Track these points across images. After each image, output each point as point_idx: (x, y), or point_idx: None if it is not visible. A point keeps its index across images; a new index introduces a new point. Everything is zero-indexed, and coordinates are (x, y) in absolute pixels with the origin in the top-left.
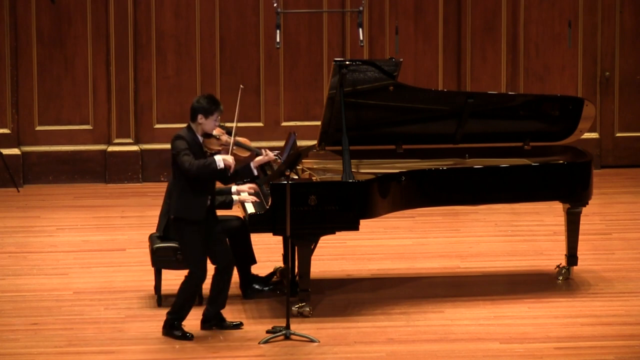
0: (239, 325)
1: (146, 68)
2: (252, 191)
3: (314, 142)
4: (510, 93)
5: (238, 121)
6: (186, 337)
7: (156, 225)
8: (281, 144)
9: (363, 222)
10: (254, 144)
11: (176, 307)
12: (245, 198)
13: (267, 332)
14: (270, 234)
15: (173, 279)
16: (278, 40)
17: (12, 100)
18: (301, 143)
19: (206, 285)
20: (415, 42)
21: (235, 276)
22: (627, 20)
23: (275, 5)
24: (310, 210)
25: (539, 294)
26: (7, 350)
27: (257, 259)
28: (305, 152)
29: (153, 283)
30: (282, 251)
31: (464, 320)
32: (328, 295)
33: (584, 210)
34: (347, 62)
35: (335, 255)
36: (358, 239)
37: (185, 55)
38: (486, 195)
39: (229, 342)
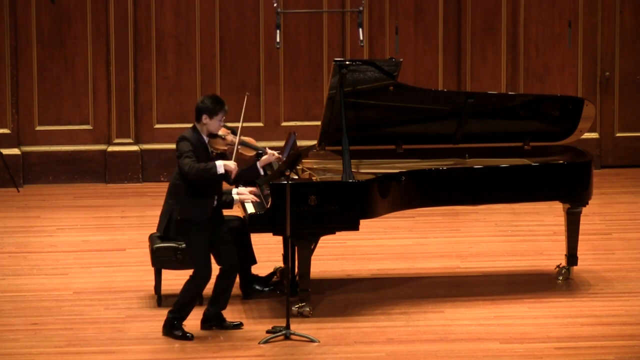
0: (239, 326)
1: (146, 68)
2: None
3: (314, 142)
4: (510, 93)
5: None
6: (186, 337)
7: (156, 225)
8: (281, 144)
9: (363, 222)
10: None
11: (178, 307)
12: (245, 197)
13: (267, 332)
14: (270, 234)
15: (173, 279)
16: (278, 40)
17: (12, 100)
18: (301, 143)
19: (208, 285)
20: (415, 42)
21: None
22: (627, 20)
23: (275, 5)
24: (310, 210)
25: (539, 294)
26: (7, 350)
27: (257, 259)
28: (305, 152)
29: (153, 283)
30: (282, 251)
31: (464, 320)
32: (328, 295)
33: (584, 210)
34: (347, 62)
35: (335, 255)
36: (358, 239)
37: (185, 55)
38: (486, 195)
39: (229, 342)
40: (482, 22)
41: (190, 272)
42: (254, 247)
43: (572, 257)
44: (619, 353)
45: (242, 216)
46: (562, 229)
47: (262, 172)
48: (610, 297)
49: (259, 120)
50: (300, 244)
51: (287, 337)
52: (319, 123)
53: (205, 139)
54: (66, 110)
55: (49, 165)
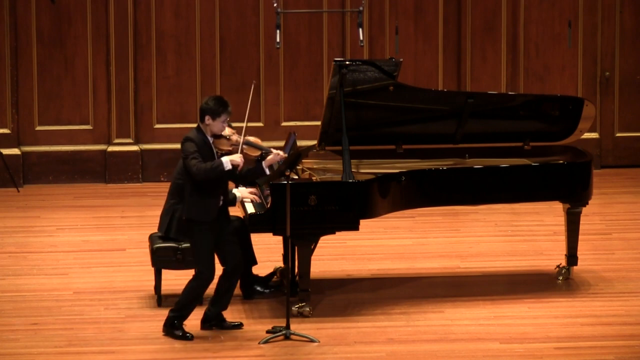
0: (239, 326)
1: (146, 68)
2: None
3: (314, 142)
4: (510, 93)
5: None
6: (186, 337)
7: (156, 225)
8: (281, 144)
9: (363, 222)
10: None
11: (180, 306)
12: (246, 196)
13: (267, 332)
14: (270, 234)
15: (173, 279)
16: (278, 40)
17: (12, 100)
18: (301, 143)
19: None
20: (415, 42)
21: None
22: (627, 20)
23: (275, 5)
24: (310, 210)
25: (539, 294)
26: (7, 350)
27: (257, 259)
28: (305, 152)
29: (153, 283)
30: (282, 251)
31: (464, 320)
32: (328, 295)
33: (584, 210)
34: (347, 62)
35: (335, 255)
36: (358, 239)
37: (185, 55)
38: (486, 195)
39: (229, 342)
40: (482, 22)
41: (191, 272)
42: (254, 247)
43: (572, 257)
44: (619, 353)
45: (242, 216)
46: (562, 229)
47: (267, 172)
48: (610, 297)
49: (259, 120)
50: (300, 244)
51: (287, 337)
52: (319, 123)
53: (210, 139)
54: (66, 110)
55: (49, 165)
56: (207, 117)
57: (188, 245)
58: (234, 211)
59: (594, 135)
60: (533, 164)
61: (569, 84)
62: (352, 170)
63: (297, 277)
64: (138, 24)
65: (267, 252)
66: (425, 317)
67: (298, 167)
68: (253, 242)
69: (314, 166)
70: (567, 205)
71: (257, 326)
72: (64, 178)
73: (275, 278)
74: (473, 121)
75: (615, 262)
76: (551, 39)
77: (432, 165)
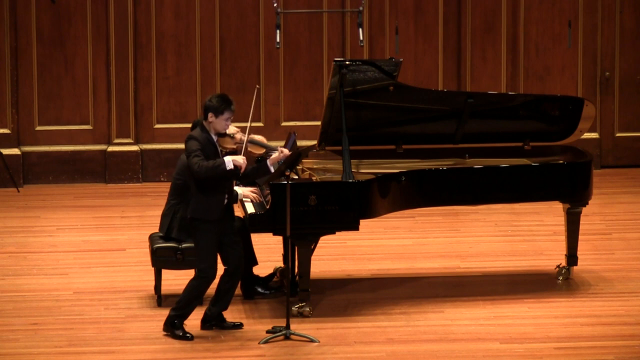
0: (239, 326)
1: (146, 68)
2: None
3: (314, 142)
4: (510, 93)
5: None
6: (186, 337)
7: (156, 225)
8: (281, 144)
9: (363, 222)
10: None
11: (181, 304)
12: (247, 194)
13: (267, 332)
14: (270, 234)
15: (173, 279)
16: (278, 40)
17: (12, 100)
18: (301, 143)
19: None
20: (415, 42)
21: None
22: (627, 21)
23: (275, 5)
24: (310, 210)
25: (539, 294)
26: (7, 350)
27: (257, 259)
28: (305, 152)
29: (153, 283)
30: (282, 251)
31: (464, 320)
32: (328, 295)
33: (584, 210)
34: (347, 62)
35: (335, 255)
36: (358, 239)
37: (185, 55)
38: (486, 195)
39: (229, 342)
40: (482, 22)
41: (191, 272)
42: (254, 247)
43: (572, 257)
44: (619, 353)
45: (242, 216)
46: (562, 229)
47: (272, 170)
48: (610, 297)
49: (259, 120)
50: (300, 244)
51: (287, 337)
52: (319, 123)
53: (214, 137)
54: (66, 110)
55: (49, 165)
56: (210, 115)
57: (188, 245)
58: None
59: (594, 135)
60: (533, 164)
61: (569, 84)
62: (352, 170)
63: (297, 277)
64: (138, 24)
65: (267, 252)
66: (425, 317)
67: (298, 167)
68: (253, 242)
69: (314, 166)
70: (567, 205)
71: (257, 326)
72: (64, 178)
73: (275, 278)
74: (473, 121)
75: (615, 262)
76: (551, 39)
77: (432, 165)
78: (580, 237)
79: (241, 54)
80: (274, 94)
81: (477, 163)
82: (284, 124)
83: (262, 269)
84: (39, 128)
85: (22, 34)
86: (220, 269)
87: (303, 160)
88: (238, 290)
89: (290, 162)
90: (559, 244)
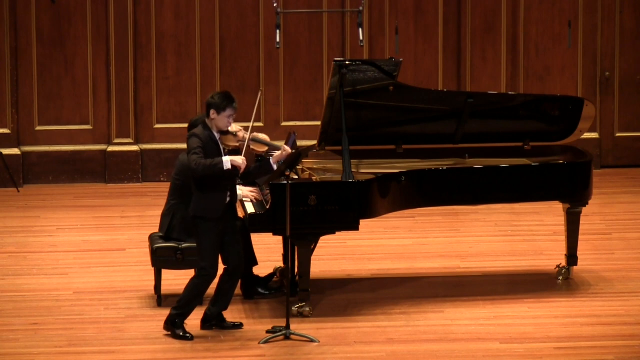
0: (239, 326)
1: (146, 68)
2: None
3: (314, 142)
4: (510, 93)
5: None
6: (186, 337)
7: (156, 225)
8: (282, 144)
9: (363, 222)
10: None
11: (182, 303)
12: (247, 194)
13: (267, 332)
14: (270, 234)
15: (173, 279)
16: (278, 40)
17: (12, 100)
18: (301, 143)
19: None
20: (415, 42)
21: None
22: (627, 20)
23: (275, 5)
24: (310, 210)
25: (539, 294)
26: (7, 350)
27: (257, 259)
28: (305, 152)
29: (153, 283)
30: (282, 251)
31: (464, 320)
32: (328, 295)
33: (584, 210)
34: (347, 62)
35: (335, 255)
36: (358, 239)
37: (185, 55)
38: (486, 195)
39: (229, 342)
40: (482, 22)
41: (191, 271)
42: (254, 247)
43: (572, 257)
44: (619, 353)
45: (241, 216)
46: (562, 229)
47: (275, 168)
48: (610, 297)
49: (258, 120)
50: (300, 244)
51: (287, 337)
52: (319, 123)
53: (217, 135)
54: (66, 110)
55: (49, 165)
56: (212, 112)
57: (188, 245)
58: None
59: (594, 135)
60: (533, 164)
61: (569, 84)
62: (352, 170)
63: (297, 277)
64: (138, 24)
65: (267, 252)
66: (425, 317)
67: (298, 167)
68: (253, 242)
69: (314, 166)
70: (567, 205)
71: (257, 326)
72: (64, 178)
73: (275, 278)
74: (473, 121)
75: (615, 262)
76: (551, 39)
77: (432, 165)
78: (580, 237)
79: (241, 54)
80: (274, 94)
81: (477, 163)
82: (284, 124)
83: (262, 269)
84: (39, 128)
85: (22, 34)
86: (220, 268)
87: (303, 160)
88: (238, 290)
89: (290, 162)
90: (559, 244)
